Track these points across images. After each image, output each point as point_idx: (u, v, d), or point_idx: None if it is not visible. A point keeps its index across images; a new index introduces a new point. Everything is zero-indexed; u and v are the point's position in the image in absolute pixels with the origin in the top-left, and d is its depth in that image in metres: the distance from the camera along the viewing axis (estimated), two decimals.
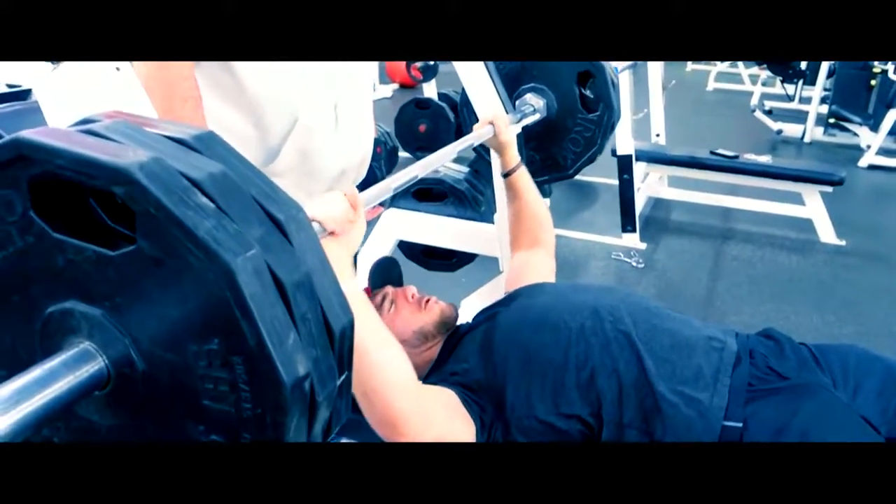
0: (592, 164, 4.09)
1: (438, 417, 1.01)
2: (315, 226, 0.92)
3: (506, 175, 1.53)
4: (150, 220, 0.55)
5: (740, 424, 1.05)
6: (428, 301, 1.33)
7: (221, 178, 0.58)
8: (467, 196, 1.88)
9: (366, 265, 1.75)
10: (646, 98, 4.19)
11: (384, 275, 1.45)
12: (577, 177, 4.46)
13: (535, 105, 1.88)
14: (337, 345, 0.63)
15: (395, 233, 1.91)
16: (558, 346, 1.13)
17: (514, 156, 1.53)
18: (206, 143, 0.61)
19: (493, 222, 1.76)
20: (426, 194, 1.92)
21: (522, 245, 1.53)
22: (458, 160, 2.08)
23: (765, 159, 3.97)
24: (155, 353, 0.60)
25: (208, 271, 0.54)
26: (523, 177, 1.53)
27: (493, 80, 1.61)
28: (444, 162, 1.32)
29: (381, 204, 1.74)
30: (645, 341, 1.12)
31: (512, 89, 1.90)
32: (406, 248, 2.05)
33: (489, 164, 1.72)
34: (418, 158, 1.97)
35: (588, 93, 1.90)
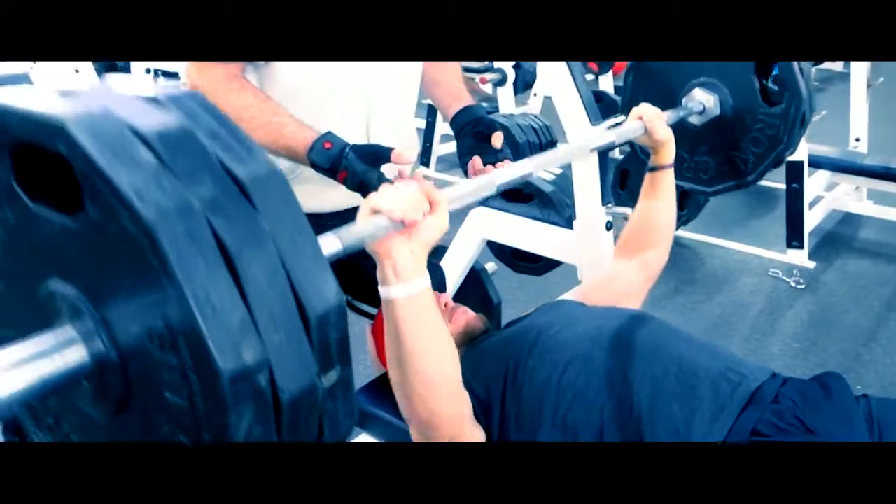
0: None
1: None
2: (383, 218, 0.82)
3: (652, 169, 1.36)
4: (86, 178, 0.48)
5: None
6: (455, 311, 1.27)
7: (176, 132, 0.50)
8: (553, 199, 1.72)
9: (450, 267, 1.65)
10: (841, 98, 3.57)
11: None
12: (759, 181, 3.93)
13: (704, 102, 1.63)
14: (315, 333, 0.51)
15: (481, 232, 1.80)
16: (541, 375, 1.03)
17: (668, 154, 1.37)
18: (179, 100, 0.54)
19: (572, 228, 1.60)
20: (516, 194, 1.80)
21: (626, 250, 1.38)
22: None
23: None
24: (122, 338, 0.53)
25: (138, 233, 0.46)
26: (668, 177, 1.39)
27: (574, 80, 1.43)
28: (568, 160, 1.15)
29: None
30: (644, 372, 0.99)
31: (680, 83, 1.68)
32: (496, 248, 1.97)
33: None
34: None
35: (770, 84, 1.62)
